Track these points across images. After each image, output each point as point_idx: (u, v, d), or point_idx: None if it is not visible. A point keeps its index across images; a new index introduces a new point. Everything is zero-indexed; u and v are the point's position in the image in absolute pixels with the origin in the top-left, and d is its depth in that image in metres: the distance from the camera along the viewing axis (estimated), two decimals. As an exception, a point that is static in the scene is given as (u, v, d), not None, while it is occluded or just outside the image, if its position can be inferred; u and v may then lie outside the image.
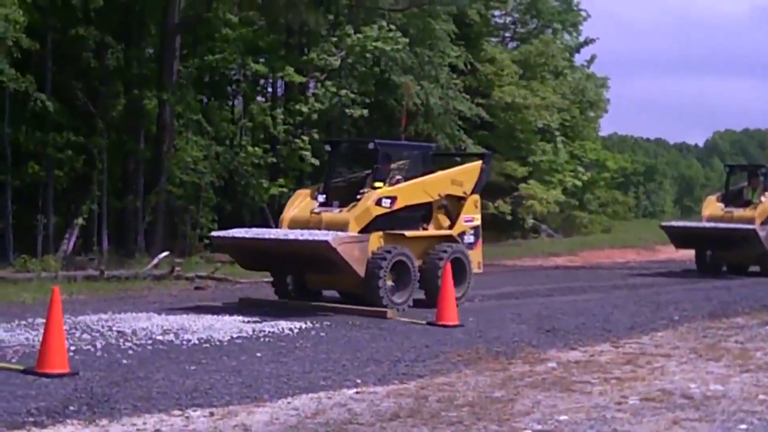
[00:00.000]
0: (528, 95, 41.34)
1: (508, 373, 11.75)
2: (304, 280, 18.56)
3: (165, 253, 25.46)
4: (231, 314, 16.76)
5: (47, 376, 10.93)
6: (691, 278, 26.06)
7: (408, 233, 18.03)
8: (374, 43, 31.69)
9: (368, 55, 31.97)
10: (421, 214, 18.67)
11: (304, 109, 31.55)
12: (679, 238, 27.73)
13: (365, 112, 32.01)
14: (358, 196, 17.78)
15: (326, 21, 32.77)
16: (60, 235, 29.01)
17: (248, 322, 15.85)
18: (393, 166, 18.90)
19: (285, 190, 31.44)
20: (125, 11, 31.22)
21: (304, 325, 15.44)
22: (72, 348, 12.44)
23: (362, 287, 17.31)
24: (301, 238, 16.62)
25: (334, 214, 17.73)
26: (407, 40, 32.65)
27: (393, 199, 17.69)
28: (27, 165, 28.97)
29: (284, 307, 17.92)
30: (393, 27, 32.35)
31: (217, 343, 13.73)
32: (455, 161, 23.84)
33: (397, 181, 18.43)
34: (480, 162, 19.76)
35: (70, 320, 15.17)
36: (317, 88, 32.58)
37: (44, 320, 12.93)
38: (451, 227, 18.92)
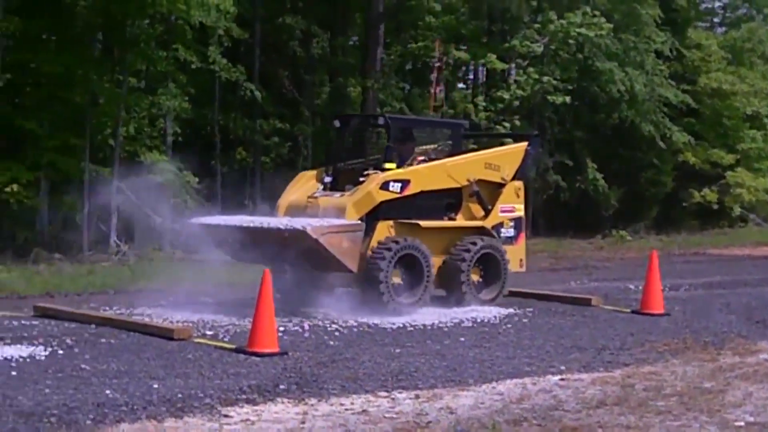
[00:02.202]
0: (736, 81, 40.13)
1: (717, 363, 11.47)
2: (306, 273, 15.72)
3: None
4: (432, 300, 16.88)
5: (258, 355, 11.26)
6: None
7: (424, 223, 15.68)
8: (578, 29, 31.34)
9: (571, 41, 31.64)
10: (446, 201, 16.30)
11: (506, 96, 31.44)
12: None
13: (567, 99, 31.68)
14: (361, 179, 15.63)
15: (529, 7, 32.59)
16: (266, 219, 29.68)
17: (449, 307, 15.93)
18: (424, 147, 17.02)
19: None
20: (331, 0, 31.73)
21: (505, 311, 15.42)
22: (281, 329, 12.76)
23: (359, 284, 15.27)
24: (277, 226, 14.60)
25: (331, 198, 15.58)
26: (611, 25, 32.19)
27: (404, 183, 15.49)
28: (235, 151, 29.83)
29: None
30: (597, 12, 31.94)
31: (421, 327, 13.86)
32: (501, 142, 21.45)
33: (420, 164, 16.32)
34: (524, 144, 17.32)
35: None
36: (519, 75, 32.42)
37: (253, 300, 13.34)
38: (485, 218, 16.54)
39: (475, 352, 11.95)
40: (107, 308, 14.99)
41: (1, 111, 21.57)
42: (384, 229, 15.35)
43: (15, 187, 21.80)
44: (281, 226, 14.45)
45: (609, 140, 36.27)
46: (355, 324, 14.00)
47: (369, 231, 15.18)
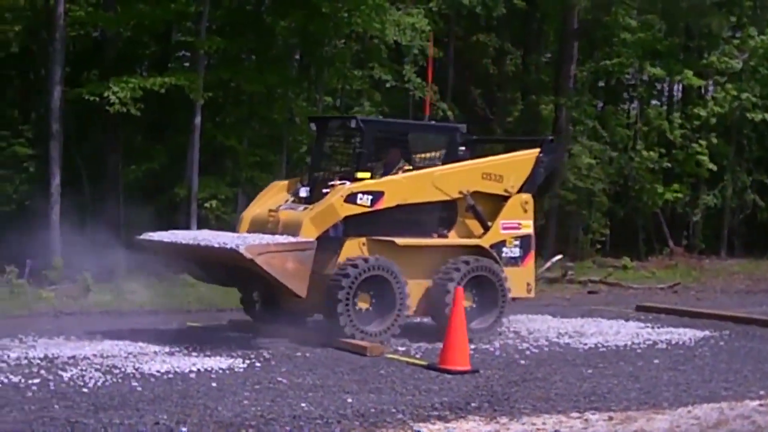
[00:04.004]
0: None
1: None
2: (272, 295, 14.09)
3: (558, 257, 25.62)
4: (626, 319, 16.66)
5: (450, 372, 11.35)
6: None
7: (400, 241, 13.78)
8: (778, 45, 30.48)
9: (772, 57, 30.79)
10: (437, 216, 14.49)
11: (702, 113, 30.80)
12: None
13: (767, 116, 30.78)
14: (325, 191, 13.93)
15: (728, 23, 31.82)
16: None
17: (644, 327, 15.73)
18: (422, 156, 15.09)
19: (680, 195, 30.87)
20: (525, 18, 31.67)
21: (701, 334, 15.12)
22: (472, 347, 12.77)
23: (321, 310, 13.58)
24: (210, 244, 12.98)
25: (292, 213, 13.85)
26: (815, 41, 31.13)
27: (377, 195, 13.65)
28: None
29: (680, 315, 17.55)
30: (799, 28, 30.98)
31: (614, 347, 13.71)
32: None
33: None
34: (535, 151, 15.19)
35: (468, 319, 15.64)
36: (716, 92, 31.68)
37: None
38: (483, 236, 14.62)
39: (670, 374, 11.75)
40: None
41: (203, 128, 22.26)
42: (353, 248, 13.61)
43: (214, 203, 22.48)
44: (215, 245, 12.85)
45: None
46: (546, 343, 13.94)
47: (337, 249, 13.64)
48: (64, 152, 21.65)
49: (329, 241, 13.42)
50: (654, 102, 37.03)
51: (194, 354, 12.21)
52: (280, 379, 10.87)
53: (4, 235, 19.60)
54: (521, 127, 31.83)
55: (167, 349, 12.46)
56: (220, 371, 11.22)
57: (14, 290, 17.56)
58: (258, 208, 14.41)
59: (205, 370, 11.24)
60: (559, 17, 30.92)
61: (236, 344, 12.85)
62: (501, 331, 14.84)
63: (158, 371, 11.05)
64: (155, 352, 12.25)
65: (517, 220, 14.79)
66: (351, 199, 13.49)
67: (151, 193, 23.28)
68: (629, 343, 14.15)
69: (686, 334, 15.03)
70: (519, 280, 14.68)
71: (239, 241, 12.73)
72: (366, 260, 13.33)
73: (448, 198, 14.38)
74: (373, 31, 23.35)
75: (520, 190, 14.90)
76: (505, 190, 14.78)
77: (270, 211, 14.02)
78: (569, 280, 23.31)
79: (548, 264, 24.89)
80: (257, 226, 13.93)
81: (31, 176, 22.83)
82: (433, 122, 19.36)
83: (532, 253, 15.04)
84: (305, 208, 13.68)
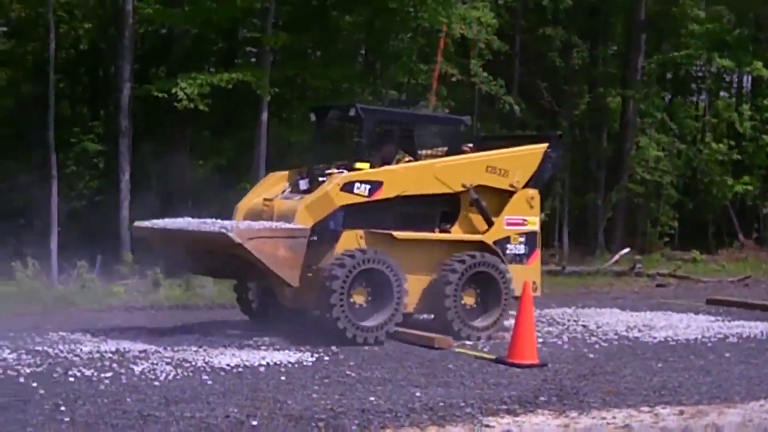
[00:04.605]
0: None
1: None
2: (269, 289, 13.71)
3: (626, 250, 25.51)
4: (696, 313, 16.53)
5: (518, 366, 11.30)
6: None
7: (399, 234, 13.32)
8: None
9: None
10: (439, 210, 14.02)
11: (773, 104, 30.42)
12: None
13: (839, 107, 30.38)
14: (321, 179, 13.54)
15: (799, 12, 31.41)
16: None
17: (714, 321, 15.58)
18: (429, 151, 14.66)
19: (750, 188, 30.50)
20: (592, 10, 31.44)
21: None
22: (540, 340, 12.74)
23: (318, 304, 12.91)
24: (198, 228, 12.55)
25: (287, 202, 13.41)
26: None
27: (375, 185, 13.16)
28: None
29: (751, 308, 17.35)
30: None
31: (684, 341, 13.59)
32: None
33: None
34: (543, 146, 14.66)
35: (536, 313, 15.51)
36: (788, 83, 31.31)
37: (510, 312, 13.41)
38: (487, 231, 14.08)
39: (741, 368, 11.62)
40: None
41: (269, 123, 22.36)
42: (350, 240, 13.11)
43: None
44: (204, 228, 12.43)
45: None
46: (615, 337, 13.85)
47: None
48: (133, 148, 21.89)
49: (326, 233, 12.97)
50: (723, 94, 36.68)
51: (263, 348, 12.27)
52: (348, 372, 10.91)
53: (75, 231, 19.88)
54: (588, 120, 31.68)
55: (236, 343, 12.54)
56: (289, 365, 11.28)
57: (85, 285, 17.80)
58: (253, 198, 13.96)
59: (274, 363, 11.30)
60: (626, 9, 30.69)
61: (304, 338, 12.87)
62: (568, 325, 14.79)
63: (228, 365, 11.13)
64: (225, 346, 12.33)
65: (523, 216, 14.26)
66: (347, 187, 13.02)
67: (218, 188, 23.46)
68: (699, 336, 14.02)
69: (758, 328, 14.85)
70: (524, 278, 13.48)
71: (229, 224, 12.39)
72: (363, 252, 12.86)
73: (450, 191, 13.87)
74: (439, 26, 23.30)
75: (526, 185, 14.36)
76: (511, 185, 14.24)
77: (265, 200, 13.62)
78: (637, 273, 23.15)
79: (616, 257, 24.79)
80: (252, 217, 13.46)
81: (101, 172, 23.12)
82: (436, 113, 18.89)
83: (538, 250, 14.51)
84: (300, 198, 13.26)
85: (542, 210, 28.46)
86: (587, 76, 32.26)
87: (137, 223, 14.00)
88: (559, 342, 13.37)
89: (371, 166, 13.43)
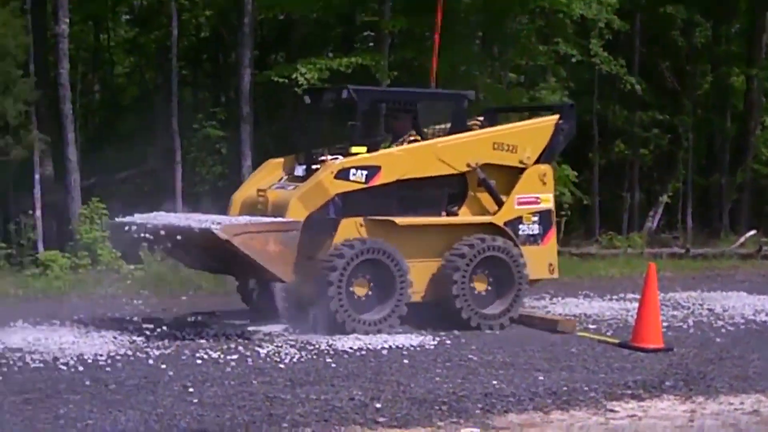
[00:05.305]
0: None
1: None
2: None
3: (752, 232, 25.00)
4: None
5: (643, 350, 11.19)
6: None
7: (400, 220, 12.50)
8: None
9: None
10: (444, 192, 13.17)
11: None
12: None
13: None
14: (314, 167, 12.84)
15: None
16: (644, 212, 29.34)
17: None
18: (434, 128, 13.74)
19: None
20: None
21: None
22: (664, 324, 12.56)
23: (313, 296, 12.16)
24: (188, 224, 11.78)
25: (281, 192, 12.71)
26: None
27: (372, 170, 12.39)
28: (613, 143, 29.61)
29: None
30: None
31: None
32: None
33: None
34: (554, 118, 13.75)
35: (660, 296, 15.30)
36: None
37: (633, 295, 13.29)
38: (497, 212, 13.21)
39: None
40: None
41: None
42: (350, 228, 12.36)
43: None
44: (192, 225, 11.69)
45: None
46: (742, 321, 13.62)
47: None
48: (254, 134, 22.14)
49: (324, 223, 12.36)
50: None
51: (385, 331, 12.31)
52: (470, 356, 10.91)
53: (198, 215, 20.16)
54: (712, 100, 31.12)
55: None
56: (412, 348, 11.32)
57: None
58: (250, 188, 13.29)
59: (397, 347, 11.36)
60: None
61: (426, 321, 12.88)
62: (694, 309, 14.57)
63: (351, 348, 11.22)
64: (347, 329, 12.42)
65: (535, 194, 13.30)
66: (342, 175, 12.25)
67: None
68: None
69: None
70: (539, 259, 13.19)
71: (216, 220, 11.77)
72: (364, 241, 12.20)
73: (455, 172, 12.98)
74: (558, 6, 23.06)
75: (537, 161, 13.42)
76: (521, 161, 13.28)
77: (259, 191, 12.93)
78: (764, 255, 22.66)
79: (742, 239, 24.31)
80: (247, 208, 12.86)
81: (224, 158, 23.44)
82: (436, 90, 18.17)
83: (554, 229, 13.60)
84: (296, 187, 12.55)
85: (666, 192, 28.94)
86: (710, 54, 31.63)
87: (119, 219, 13.11)
88: (685, 326, 13.18)
89: (370, 150, 12.78)
